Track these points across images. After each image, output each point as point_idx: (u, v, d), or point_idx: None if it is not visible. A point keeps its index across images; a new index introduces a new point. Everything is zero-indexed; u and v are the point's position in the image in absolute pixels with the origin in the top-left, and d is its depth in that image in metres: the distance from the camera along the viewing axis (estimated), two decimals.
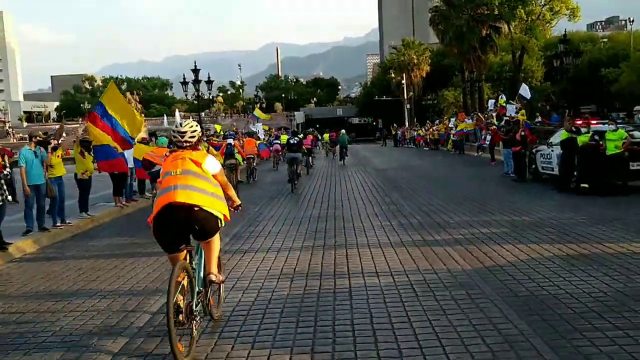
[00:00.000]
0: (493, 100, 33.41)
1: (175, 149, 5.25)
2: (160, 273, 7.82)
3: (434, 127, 47.03)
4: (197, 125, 5.28)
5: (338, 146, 33.57)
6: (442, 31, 46.06)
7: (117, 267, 8.51)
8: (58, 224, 11.58)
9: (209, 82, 29.93)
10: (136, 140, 14.22)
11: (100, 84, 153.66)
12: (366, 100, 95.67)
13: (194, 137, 5.17)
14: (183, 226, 4.92)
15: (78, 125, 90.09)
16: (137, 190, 16.72)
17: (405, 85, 74.90)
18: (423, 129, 52.01)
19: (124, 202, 14.79)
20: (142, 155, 14.87)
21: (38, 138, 11.09)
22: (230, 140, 19.80)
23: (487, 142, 31.84)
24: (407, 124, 69.92)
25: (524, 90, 28.81)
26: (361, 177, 21.71)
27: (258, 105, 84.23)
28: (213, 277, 5.23)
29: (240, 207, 5.83)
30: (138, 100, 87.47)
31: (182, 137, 5.13)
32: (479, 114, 35.74)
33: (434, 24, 48.21)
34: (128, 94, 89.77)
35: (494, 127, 25.64)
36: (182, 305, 4.72)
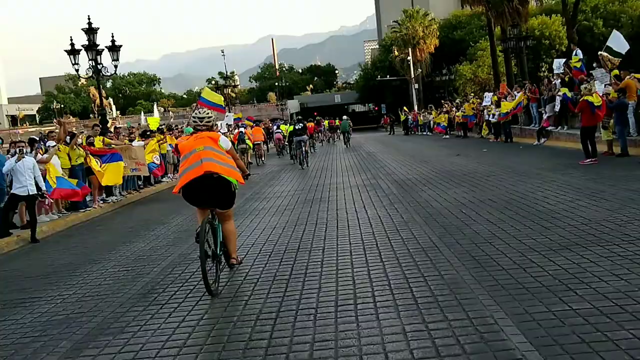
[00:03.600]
0: (560, 60, 22.77)
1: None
2: None
3: (455, 108, 36.59)
4: (211, 112, 6.66)
5: (341, 133, 36.52)
6: None
7: None
8: None
9: (114, 48, 18.60)
10: None
11: (85, 82, 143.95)
12: (367, 84, 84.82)
13: (209, 122, 6.48)
14: (208, 190, 6.14)
15: (54, 127, 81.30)
16: None
17: (411, 63, 64.15)
18: (439, 112, 41.49)
19: None
20: None
21: None
22: (241, 129, 23.30)
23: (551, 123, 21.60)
24: (416, 107, 59.34)
25: (617, 41, 18.19)
26: (375, 208, 10.14)
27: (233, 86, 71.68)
28: (234, 262, 6.62)
29: (249, 176, 7.26)
30: (105, 95, 77.08)
31: (201, 121, 6.42)
32: (529, 83, 25.22)
33: None
34: (92, 88, 79.52)
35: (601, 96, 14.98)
36: (208, 251, 5.95)
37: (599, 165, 13.31)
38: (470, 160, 17.86)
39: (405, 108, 50.76)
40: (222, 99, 25.28)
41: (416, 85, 64.39)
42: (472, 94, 38.22)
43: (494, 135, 27.19)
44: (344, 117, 37.78)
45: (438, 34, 67.70)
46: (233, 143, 25.86)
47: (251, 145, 23.31)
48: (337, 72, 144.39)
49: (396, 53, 69.04)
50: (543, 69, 52.19)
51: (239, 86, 79.04)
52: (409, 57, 64.54)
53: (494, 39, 35.69)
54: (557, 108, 20.55)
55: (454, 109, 37.70)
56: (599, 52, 18.15)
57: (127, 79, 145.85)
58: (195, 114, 6.54)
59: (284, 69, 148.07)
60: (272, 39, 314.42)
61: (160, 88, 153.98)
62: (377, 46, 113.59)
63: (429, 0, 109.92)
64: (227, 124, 29.74)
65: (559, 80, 21.91)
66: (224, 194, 6.28)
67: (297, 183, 16.03)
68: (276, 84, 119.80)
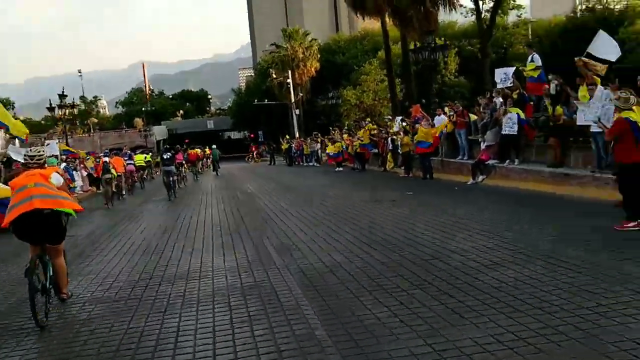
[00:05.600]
0: (506, 70, 16.87)
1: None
2: None
3: (347, 135, 30.93)
4: (43, 151, 6.98)
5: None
6: None
7: None
8: None
9: None
10: None
11: None
12: (241, 110, 78.22)
13: (41, 159, 6.72)
14: (37, 225, 6.21)
15: None
16: None
17: (291, 86, 58.35)
18: (330, 140, 35.82)
19: None
20: None
21: None
22: (106, 159, 22.05)
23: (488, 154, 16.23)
24: (297, 133, 53.47)
25: (603, 44, 12.94)
26: None
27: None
28: (64, 296, 6.73)
29: (81, 210, 7.13)
30: None
31: (32, 159, 6.66)
32: (452, 104, 19.75)
33: None
34: None
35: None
36: (38, 285, 6.06)
37: None
38: (410, 212, 11.52)
39: (287, 136, 44.70)
40: (19, 127, 17.70)
41: (297, 111, 58.59)
42: (369, 120, 32.77)
43: (404, 169, 21.50)
44: (213, 146, 38.62)
45: (319, 56, 62.68)
46: (93, 176, 22.48)
47: (115, 175, 21.71)
48: (210, 97, 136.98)
49: (274, 75, 62.98)
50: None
51: (79, 107, 68.17)
52: (289, 80, 58.75)
53: (391, 54, 30.42)
54: (511, 131, 14.97)
55: (345, 135, 32.05)
56: (577, 58, 12.79)
57: None
58: (27, 152, 6.91)
59: (153, 94, 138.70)
60: (144, 65, 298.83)
61: (14, 113, 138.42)
62: (253, 72, 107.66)
63: (304, 25, 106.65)
64: (51, 154, 21.87)
65: (502, 98, 16.52)
66: (53, 229, 6.39)
67: (111, 272, 8.81)
68: (143, 108, 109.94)
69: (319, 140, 38.08)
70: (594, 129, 11.96)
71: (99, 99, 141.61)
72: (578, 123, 12.46)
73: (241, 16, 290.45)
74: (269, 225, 11.45)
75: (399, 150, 21.66)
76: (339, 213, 12.32)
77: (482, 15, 28.37)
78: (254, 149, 58.38)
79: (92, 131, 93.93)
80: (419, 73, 30.59)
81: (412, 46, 25.41)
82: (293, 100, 58.09)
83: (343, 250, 8.21)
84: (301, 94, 59.60)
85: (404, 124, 21.94)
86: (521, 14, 29.29)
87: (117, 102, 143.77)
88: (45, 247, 6.41)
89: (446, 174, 19.24)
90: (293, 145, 41.23)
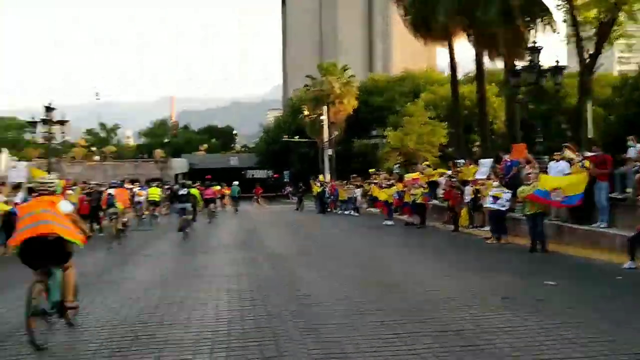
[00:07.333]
0: None
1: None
2: None
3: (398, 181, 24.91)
4: (55, 179, 7.22)
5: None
6: None
7: None
8: None
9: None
10: None
11: None
12: (269, 148, 72.95)
13: (52, 187, 6.87)
14: (45, 251, 6.37)
15: None
16: None
17: (325, 124, 52.72)
18: (366, 186, 30.20)
19: None
20: None
21: None
22: (111, 191, 20.02)
23: None
24: (328, 176, 47.48)
25: None
26: None
27: None
28: (69, 304, 6.65)
29: (90, 237, 7.81)
30: None
31: (44, 186, 6.86)
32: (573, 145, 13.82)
33: None
34: None
35: None
36: (38, 308, 6.13)
37: None
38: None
39: (320, 177, 38.86)
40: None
41: (330, 151, 52.68)
42: (427, 163, 26.87)
43: (494, 232, 15.40)
44: (235, 182, 37.72)
45: (357, 93, 57.26)
46: (101, 207, 20.47)
47: (121, 209, 19.47)
48: (235, 133, 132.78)
49: (306, 112, 57.46)
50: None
51: (68, 122, 61.88)
52: (322, 117, 53.18)
53: (457, 84, 24.63)
54: None
55: (391, 181, 26.09)
56: None
57: None
58: (40, 178, 7.33)
59: (179, 128, 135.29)
60: (172, 98, 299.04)
61: (33, 136, 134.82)
62: (283, 109, 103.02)
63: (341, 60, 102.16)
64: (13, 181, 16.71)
65: None
66: (58, 254, 6.49)
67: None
68: (165, 140, 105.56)
69: (359, 184, 32.21)
70: None
71: (118, 127, 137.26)
72: None
73: (274, 58, 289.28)
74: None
75: (489, 206, 15.61)
76: (464, 336, 6.24)
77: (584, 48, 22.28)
78: (259, 191, 48.21)
79: (106, 159, 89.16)
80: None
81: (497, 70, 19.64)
82: (326, 139, 52.43)
83: None
84: (336, 132, 53.95)
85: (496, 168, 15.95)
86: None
87: (139, 132, 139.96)
88: (49, 271, 6.45)
89: (565, 245, 13.11)
90: (327, 189, 35.10)
